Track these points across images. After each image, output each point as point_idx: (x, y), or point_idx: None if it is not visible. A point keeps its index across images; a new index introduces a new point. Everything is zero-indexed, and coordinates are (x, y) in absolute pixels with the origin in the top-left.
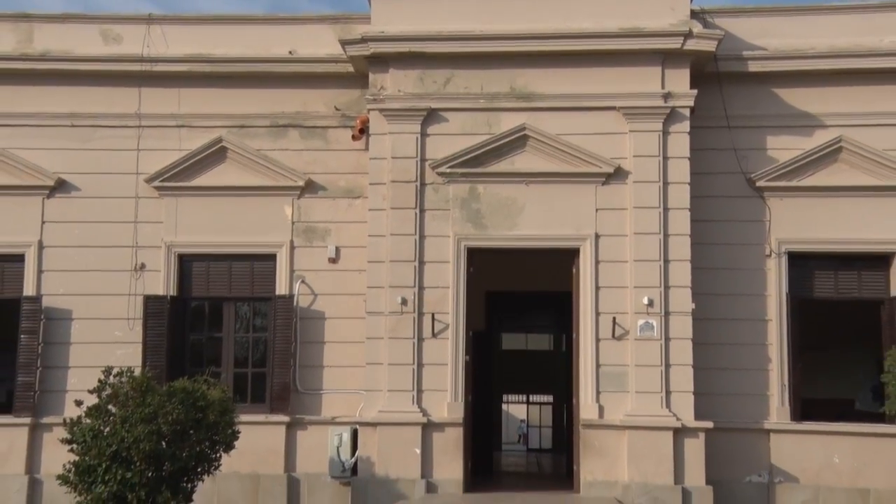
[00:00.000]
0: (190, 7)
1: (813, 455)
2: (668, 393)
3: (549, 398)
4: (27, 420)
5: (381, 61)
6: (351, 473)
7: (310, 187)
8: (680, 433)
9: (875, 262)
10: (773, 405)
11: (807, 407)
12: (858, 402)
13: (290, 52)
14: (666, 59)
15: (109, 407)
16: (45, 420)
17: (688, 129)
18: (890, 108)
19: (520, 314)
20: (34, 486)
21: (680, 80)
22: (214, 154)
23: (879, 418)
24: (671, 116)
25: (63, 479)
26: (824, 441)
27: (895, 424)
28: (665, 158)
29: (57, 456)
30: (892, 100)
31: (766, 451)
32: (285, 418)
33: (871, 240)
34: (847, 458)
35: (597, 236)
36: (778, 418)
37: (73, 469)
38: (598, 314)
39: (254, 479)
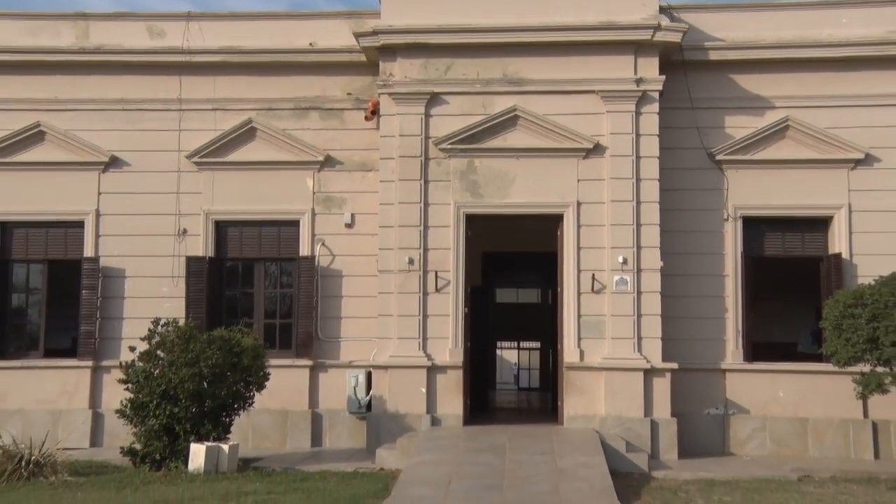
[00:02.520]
0: (221, 5)
1: (761, 390)
2: (639, 339)
3: (537, 344)
4: (89, 363)
5: (390, 51)
6: (366, 409)
7: (328, 162)
8: (649, 373)
9: (816, 224)
10: (728, 348)
11: (757, 349)
12: (800, 344)
13: (311, 44)
14: (638, 48)
15: (158, 352)
16: (105, 363)
17: (657, 110)
18: (829, 92)
19: (511, 271)
20: (97, 419)
21: (650, 67)
22: (245, 133)
23: (817, 359)
24: (642, 99)
25: (121, 413)
26: (771, 378)
27: (830, 363)
28: (637, 136)
29: (115, 394)
30: (831, 84)
31: (722, 388)
32: (309, 362)
33: (813, 205)
34: (790, 392)
35: (578, 204)
36: (732, 360)
37: (129, 405)
38: (579, 271)
39: (283, 415)
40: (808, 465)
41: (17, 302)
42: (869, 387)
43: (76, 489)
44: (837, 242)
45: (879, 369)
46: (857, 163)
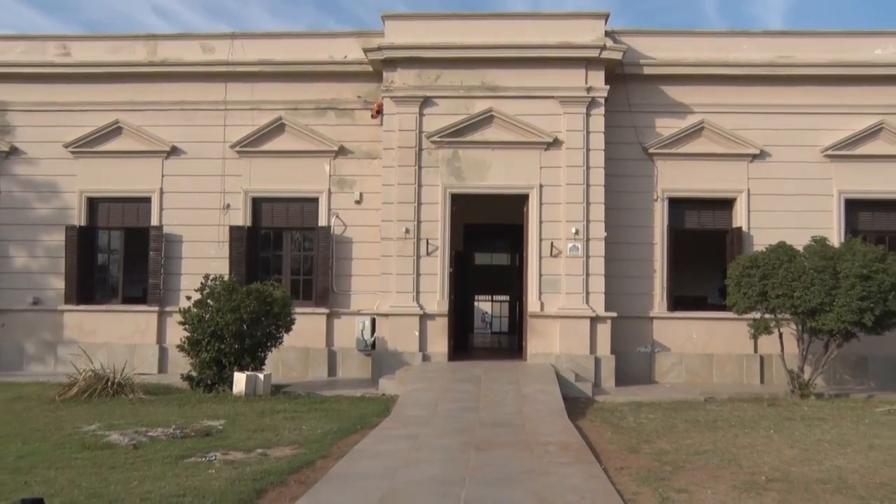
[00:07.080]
0: (257, 25)
1: (680, 333)
2: (587, 293)
3: (507, 297)
4: (156, 308)
5: (392, 63)
6: (371, 348)
7: (342, 151)
8: (594, 321)
9: (723, 204)
10: (655, 301)
11: (677, 301)
12: (710, 297)
13: (329, 57)
14: (588, 64)
15: (208, 301)
16: (167, 309)
17: (603, 113)
18: (734, 101)
19: (487, 239)
20: (162, 353)
21: (598, 79)
22: (276, 128)
23: (722, 308)
24: (592, 104)
25: (180, 348)
26: (687, 324)
27: (731, 312)
28: (588, 132)
29: (176, 332)
30: (736, 95)
31: (650, 332)
32: (326, 310)
33: (722, 189)
34: (701, 334)
35: (541, 186)
36: (658, 310)
37: (187, 341)
38: (541, 240)
39: (305, 351)
40: (712, 389)
41: (101, 260)
42: (759, 329)
43: (149, 404)
44: (739, 218)
45: (767, 316)
46: (754, 157)
